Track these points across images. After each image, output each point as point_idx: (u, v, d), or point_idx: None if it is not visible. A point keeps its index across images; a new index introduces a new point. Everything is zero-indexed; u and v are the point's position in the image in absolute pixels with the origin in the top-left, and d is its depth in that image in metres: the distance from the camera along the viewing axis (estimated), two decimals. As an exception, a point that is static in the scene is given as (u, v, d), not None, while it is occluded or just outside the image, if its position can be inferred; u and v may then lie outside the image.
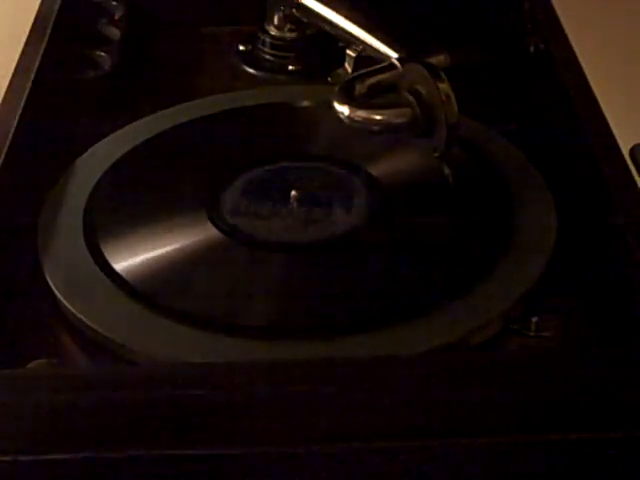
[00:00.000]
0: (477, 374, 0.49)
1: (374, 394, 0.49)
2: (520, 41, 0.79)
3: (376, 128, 0.65)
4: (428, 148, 0.66)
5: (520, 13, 0.80)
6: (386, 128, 0.65)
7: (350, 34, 0.74)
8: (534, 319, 0.57)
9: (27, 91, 0.68)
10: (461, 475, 0.49)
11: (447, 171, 0.67)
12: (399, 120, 0.65)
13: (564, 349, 0.56)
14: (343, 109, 0.65)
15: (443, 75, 0.64)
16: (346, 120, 0.65)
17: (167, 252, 0.62)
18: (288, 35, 0.82)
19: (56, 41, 0.75)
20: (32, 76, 0.70)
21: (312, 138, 0.72)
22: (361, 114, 0.65)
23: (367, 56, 0.73)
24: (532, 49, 0.77)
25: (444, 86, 0.64)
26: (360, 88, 0.66)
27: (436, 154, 0.66)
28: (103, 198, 0.66)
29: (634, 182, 0.61)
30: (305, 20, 0.79)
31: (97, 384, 0.49)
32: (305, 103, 0.75)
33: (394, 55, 0.69)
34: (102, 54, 0.79)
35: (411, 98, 0.65)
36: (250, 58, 0.83)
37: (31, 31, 0.76)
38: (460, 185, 0.67)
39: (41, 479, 0.49)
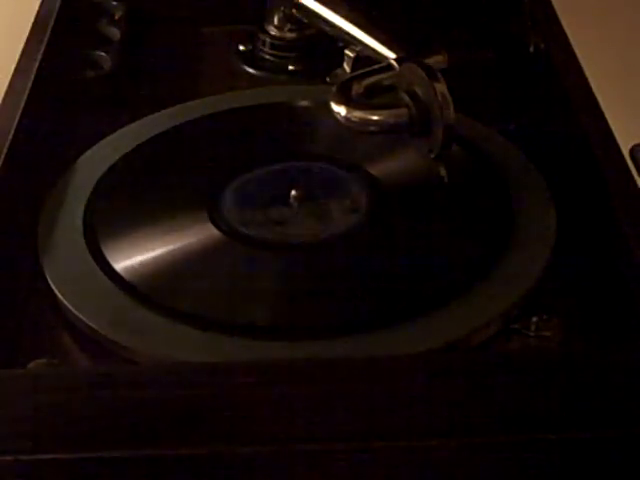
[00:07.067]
0: (477, 374, 0.49)
1: (374, 394, 0.49)
2: (520, 41, 0.79)
3: (373, 129, 0.65)
4: (425, 149, 0.66)
5: (520, 13, 0.80)
6: (383, 129, 0.65)
7: (349, 34, 0.74)
8: (534, 319, 0.57)
9: (27, 91, 0.68)
10: (461, 475, 0.49)
11: (447, 171, 0.67)
12: (396, 121, 0.65)
13: (564, 349, 0.56)
14: (340, 109, 0.65)
15: (440, 76, 0.64)
16: (343, 120, 0.65)
17: (167, 252, 0.62)
18: (288, 35, 0.82)
19: (56, 41, 0.75)
20: (32, 76, 0.70)
21: (312, 138, 0.73)
22: (358, 114, 0.65)
23: (366, 56, 0.73)
24: (532, 49, 0.77)
25: (441, 87, 0.64)
26: (357, 88, 0.66)
27: (433, 155, 0.66)
28: (103, 198, 0.66)
29: (634, 182, 0.61)
30: (305, 20, 0.79)
31: (97, 384, 0.49)
32: (305, 103, 0.75)
33: (392, 55, 0.69)
34: (102, 54, 0.79)
35: (408, 99, 0.65)
36: (250, 58, 0.83)
37: (31, 31, 0.76)
38: (460, 185, 0.67)
39: (41, 479, 0.49)
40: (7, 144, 0.63)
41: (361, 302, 0.58)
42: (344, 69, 0.75)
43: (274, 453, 0.48)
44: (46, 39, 0.74)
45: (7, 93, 0.68)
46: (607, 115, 0.65)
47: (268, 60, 0.82)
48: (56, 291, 0.59)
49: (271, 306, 0.59)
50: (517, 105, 0.75)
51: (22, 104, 0.67)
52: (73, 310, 0.58)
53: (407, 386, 0.49)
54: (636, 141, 0.66)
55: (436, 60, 0.69)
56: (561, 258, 0.61)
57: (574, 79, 0.69)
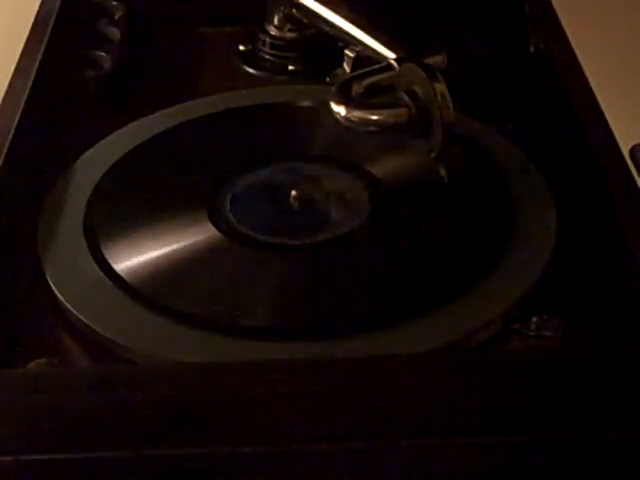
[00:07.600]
0: (477, 374, 0.49)
1: (374, 394, 0.49)
2: (520, 41, 0.79)
3: (372, 128, 0.65)
4: (425, 149, 0.66)
5: (520, 13, 0.80)
6: (382, 128, 0.65)
7: (349, 34, 0.74)
8: (534, 319, 0.57)
9: (27, 91, 0.68)
10: (461, 475, 0.49)
11: (447, 171, 0.67)
12: (396, 120, 0.65)
13: (564, 349, 0.56)
14: (340, 109, 0.65)
15: (439, 75, 0.64)
16: (343, 120, 0.65)
17: (167, 252, 0.62)
18: (288, 35, 0.82)
19: (56, 41, 0.75)
20: (32, 76, 0.70)
21: (312, 138, 0.72)
22: (358, 114, 0.65)
23: (366, 56, 0.73)
24: (532, 49, 0.77)
25: (440, 86, 0.64)
26: (357, 88, 0.66)
27: (432, 154, 0.66)
28: (103, 198, 0.66)
29: (634, 182, 0.61)
30: (305, 20, 0.79)
31: (97, 384, 0.49)
32: (305, 103, 0.75)
33: (392, 55, 0.69)
34: (102, 54, 0.79)
35: (407, 99, 0.65)
36: (250, 58, 0.83)
37: (31, 31, 0.76)
38: (460, 185, 0.67)
39: (41, 479, 0.49)
40: (7, 144, 0.63)
41: (361, 302, 0.58)
42: (344, 69, 0.75)
43: (274, 453, 0.49)
44: (46, 39, 0.74)
45: (7, 93, 0.68)
46: (607, 115, 0.65)
47: (268, 60, 0.82)
48: (56, 291, 0.59)
49: (271, 306, 0.59)
50: (517, 105, 0.75)
51: (22, 104, 0.67)
52: (73, 310, 0.58)
53: (407, 386, 0.49)
54: (636, 141, 0.66)
55: (436, 60, 0.69)
56: (561, 258, 0.61)
57: (574, 79, 0.69)
